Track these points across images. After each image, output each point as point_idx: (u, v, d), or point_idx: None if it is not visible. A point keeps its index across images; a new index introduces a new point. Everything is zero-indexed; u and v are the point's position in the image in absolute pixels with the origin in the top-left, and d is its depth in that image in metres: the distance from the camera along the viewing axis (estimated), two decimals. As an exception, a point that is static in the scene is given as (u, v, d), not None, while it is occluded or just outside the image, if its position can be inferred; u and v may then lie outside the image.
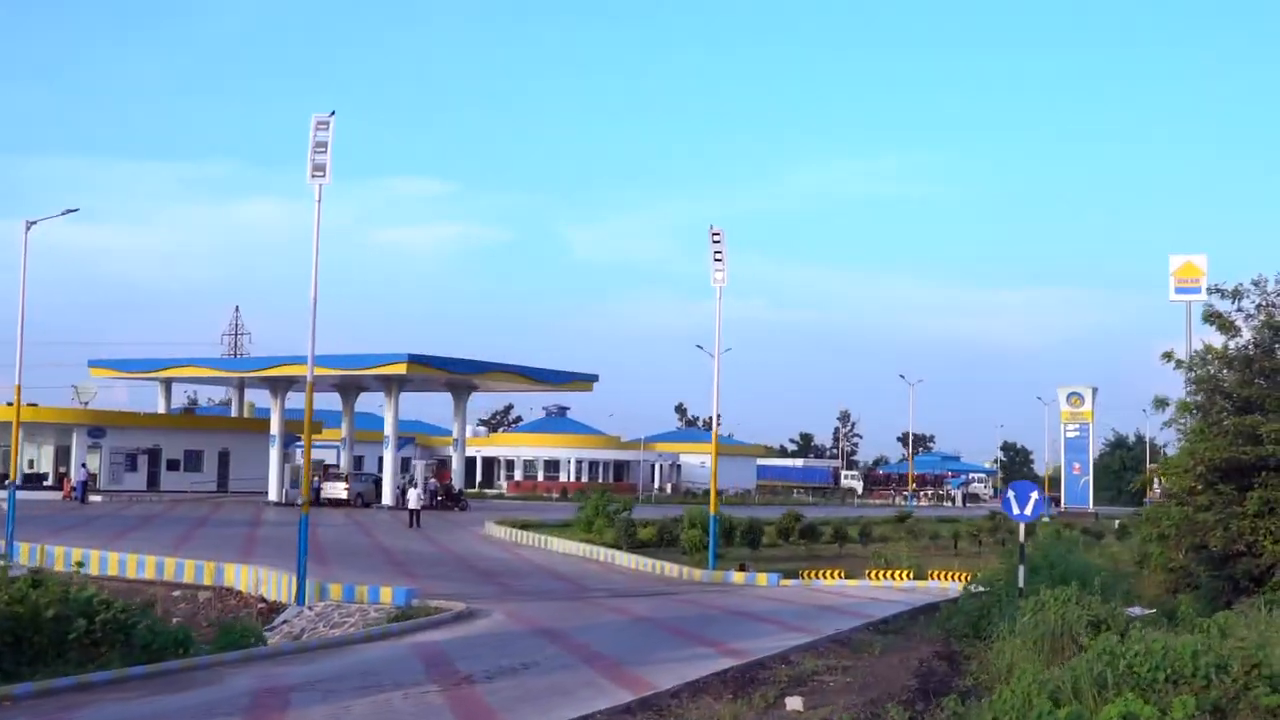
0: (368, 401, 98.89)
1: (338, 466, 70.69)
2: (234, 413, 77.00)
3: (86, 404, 72.87)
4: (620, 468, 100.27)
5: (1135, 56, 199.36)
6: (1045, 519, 69.63)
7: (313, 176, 26.88)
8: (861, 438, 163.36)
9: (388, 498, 64.33)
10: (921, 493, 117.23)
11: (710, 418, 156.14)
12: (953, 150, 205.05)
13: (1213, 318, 30.62)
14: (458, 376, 65.75)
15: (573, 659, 17.94)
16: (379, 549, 40.46)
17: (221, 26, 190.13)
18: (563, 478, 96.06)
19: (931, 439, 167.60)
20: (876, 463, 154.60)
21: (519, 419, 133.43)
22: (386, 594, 25.56)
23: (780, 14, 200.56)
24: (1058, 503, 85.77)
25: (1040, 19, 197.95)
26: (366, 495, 66.32)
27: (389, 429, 65.02)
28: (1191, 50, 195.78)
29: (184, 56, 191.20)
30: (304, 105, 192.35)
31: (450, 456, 72.40)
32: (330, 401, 74.73)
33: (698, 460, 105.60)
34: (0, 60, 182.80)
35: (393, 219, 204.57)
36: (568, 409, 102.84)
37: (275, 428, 67.09)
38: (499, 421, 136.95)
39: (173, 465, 70.64)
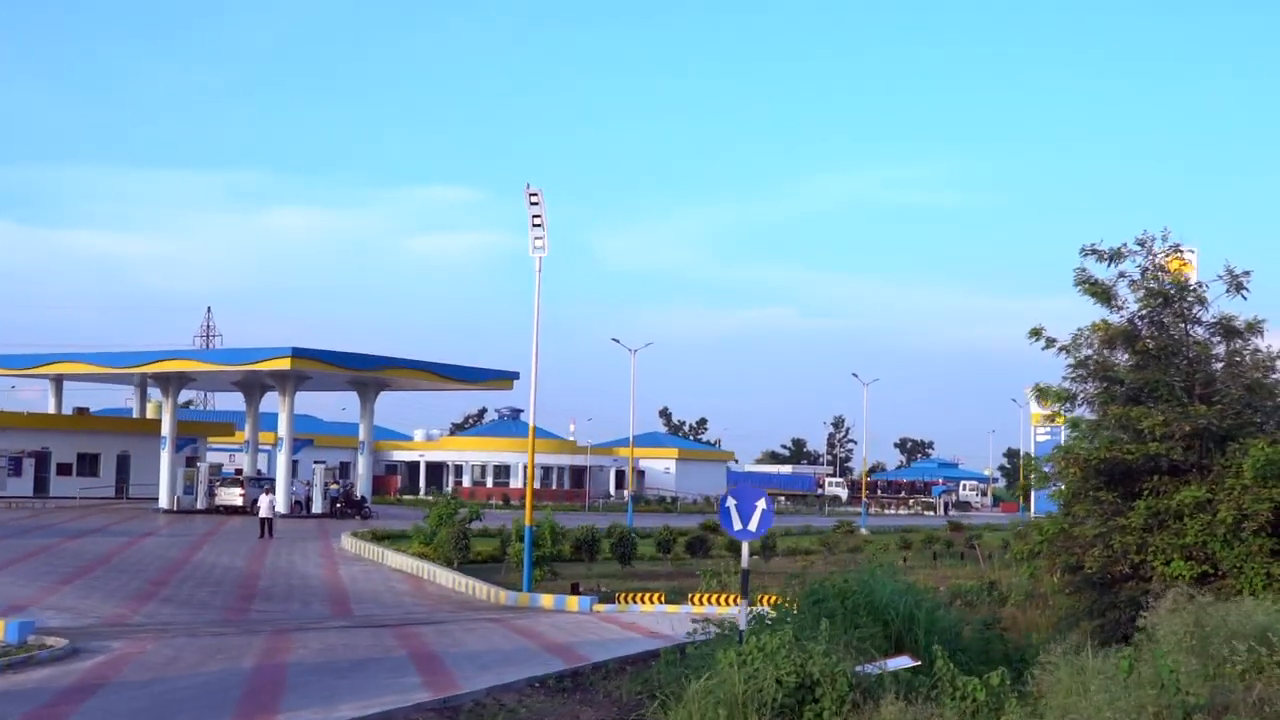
0: (309, 404, 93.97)
1: (238, 472, 65.52)
2: (135, 413, 71.84)
3: (-27, 403, 68.00)
4: (578, 473, 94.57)
5: (1138, 61, 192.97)
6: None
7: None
8: (855, 443, 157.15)
9: (281, 504, 58.84)
10: (903, 500, 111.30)
11: (695, 422, 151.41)
12: (976, 157, 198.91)
13: (1089, 286, 24.64)
14: (361, 373, 60.36)
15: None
16: (171, 565, 35.13)
17: (251, 36, 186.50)
18: (514, 484, 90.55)
19: (930, 445, 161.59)
20: (872, 470, 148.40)
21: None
22: (-1, 628, 20.23)
23: (806, 21, 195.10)
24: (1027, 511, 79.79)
25: (1063, 32, 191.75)
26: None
27: (283, 430, 59.50)
28: (1191, 50, 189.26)
29: (214, 66, 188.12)
30: (334, 114, 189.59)
31: (355, 459, 66.97)
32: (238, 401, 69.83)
33: (661, 466, 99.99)
34: (32, 69, 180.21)
35: (425, 227, 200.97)
36: (521, 411, 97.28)
37: (166, 428, 61.73)
38: (472, 425, 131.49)
39: (64, 469, 65.44)
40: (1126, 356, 24.50)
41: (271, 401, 66.39)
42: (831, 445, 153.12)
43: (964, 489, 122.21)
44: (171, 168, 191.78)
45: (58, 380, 66.84)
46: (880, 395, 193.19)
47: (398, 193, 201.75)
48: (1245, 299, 24.14)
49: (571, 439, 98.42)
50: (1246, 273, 23.74)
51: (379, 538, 43.08)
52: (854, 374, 79.50)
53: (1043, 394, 26.00)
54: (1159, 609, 16.71)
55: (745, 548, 17.30)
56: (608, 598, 29.35)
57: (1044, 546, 25.05)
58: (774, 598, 27.09)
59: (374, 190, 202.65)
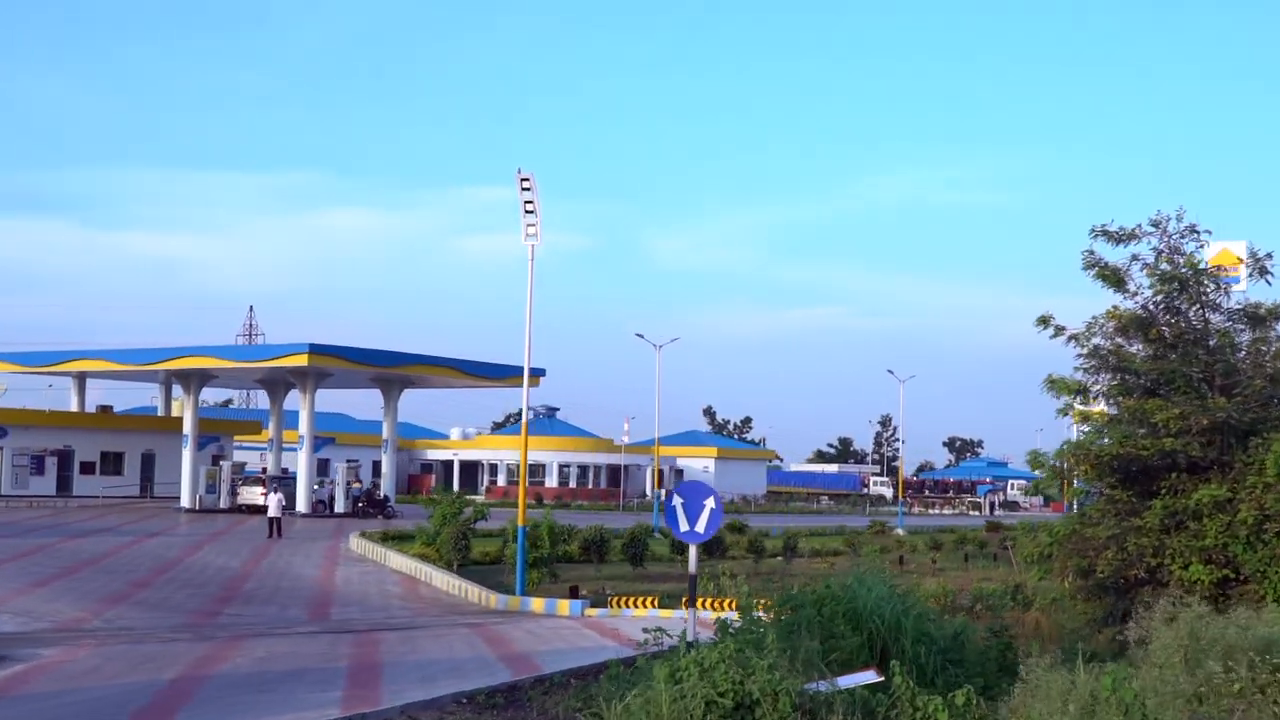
0: (342, 402, 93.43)
1: (264, 470, 64.71)
2: (160, 411, 71.22)
3: (-7, 401, 67.68)
4: (615, 472, 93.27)
5: (1199, 63, 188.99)
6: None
7: None
8: (903, 442, 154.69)
9: (302, 503, 58.00)
10: (949, 500, 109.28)
11: (740, 421, 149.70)
12: (1028, 156, 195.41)
13: (1099, 269, 22.91)
14: (382, 370, 59.37)
15: None
16: (162, 565, 34.20)
17: (301, 38, 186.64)
18: (548, 482, 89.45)
19: (980, 444, 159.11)
20: (920, 469, 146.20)
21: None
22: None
23: (858, 21, 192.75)
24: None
25: (1123, 32, 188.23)
26: (286, 500, 60.18)
27: (303, 427, 58.54)
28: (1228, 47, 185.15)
29: (266, 68, 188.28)
30: (384, 116, 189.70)
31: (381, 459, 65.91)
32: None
33: (700, 464, 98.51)
34: (83, 73, 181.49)
35: (471, 227, 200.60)
36: (557, 410, 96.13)
37: (188, 426, 60.96)
38: (513, 424, 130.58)
39: (87, 468, 64.82)
40: (1141, 346, 22.85)
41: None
42: (878, 444, 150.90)
43: (1012, 488, 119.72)
44: (222, 170, 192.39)
45: (80, 378, 66.32)
46: (930, 394, 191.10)
47: (445, 193, 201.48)
48: (1270, 284, 22.49)
49: (609, 437, 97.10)
50: (1269, 255, 22.10)
51: (387, 538, 41.97)
52: (889, 370, 77.79)
53: (1054, 385, 24.24)
54: (1150, 619, 15.15)
55: (693, 550, 15.94)
56: (600, 602, 28.04)
57: (1054, 549, 23.39)
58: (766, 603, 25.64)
59: (421, 191, 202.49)
